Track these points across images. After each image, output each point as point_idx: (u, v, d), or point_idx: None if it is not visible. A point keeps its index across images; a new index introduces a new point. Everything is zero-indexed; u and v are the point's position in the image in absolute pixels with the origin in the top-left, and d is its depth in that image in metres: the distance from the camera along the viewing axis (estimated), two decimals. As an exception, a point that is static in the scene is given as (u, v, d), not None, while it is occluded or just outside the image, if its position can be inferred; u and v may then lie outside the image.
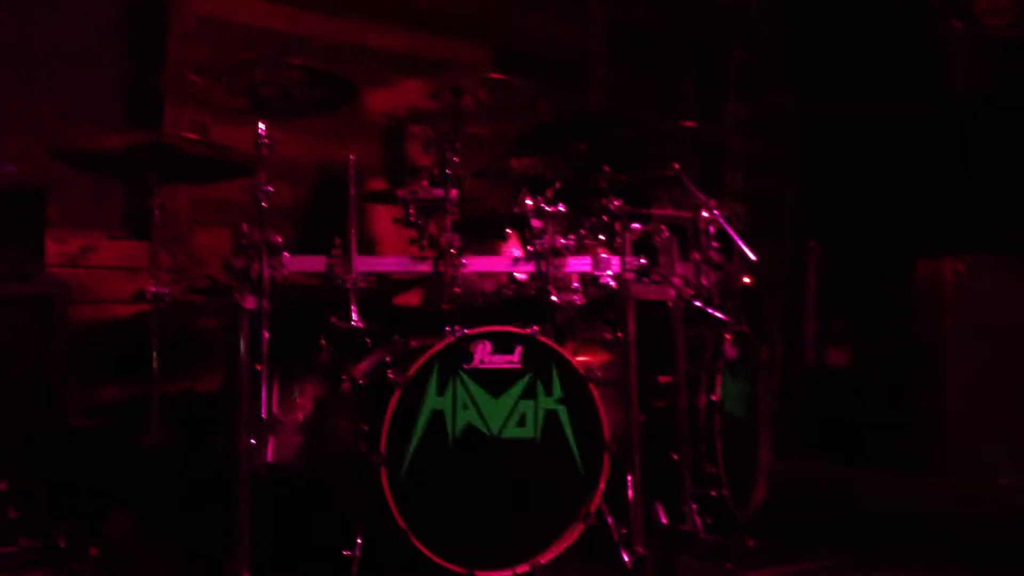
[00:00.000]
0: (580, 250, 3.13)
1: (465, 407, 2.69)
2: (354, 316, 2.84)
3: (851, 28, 5.57)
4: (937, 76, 5.12)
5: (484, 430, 2.71)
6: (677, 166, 3.39)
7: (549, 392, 2.80)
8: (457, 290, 2.90)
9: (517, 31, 4.91)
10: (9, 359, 2.93)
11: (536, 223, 3.05)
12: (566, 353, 2.85)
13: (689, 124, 3.54)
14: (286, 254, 2.72)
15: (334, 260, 2.83)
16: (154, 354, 3.06)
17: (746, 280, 3.49)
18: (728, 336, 3.32)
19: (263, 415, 2.66)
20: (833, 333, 5.34)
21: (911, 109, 5.21)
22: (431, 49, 4.58)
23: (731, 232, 3.39)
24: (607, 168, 3.40)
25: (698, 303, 3.28)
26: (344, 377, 2.95)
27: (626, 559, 2.77)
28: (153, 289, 3.06)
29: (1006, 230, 4.68)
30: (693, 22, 5.71)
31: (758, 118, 5.93)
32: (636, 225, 3.10)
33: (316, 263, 2.84)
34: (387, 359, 2.87)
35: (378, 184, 3.97)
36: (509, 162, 3.54)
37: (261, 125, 2.75)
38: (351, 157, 2.88)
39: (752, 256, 3.43)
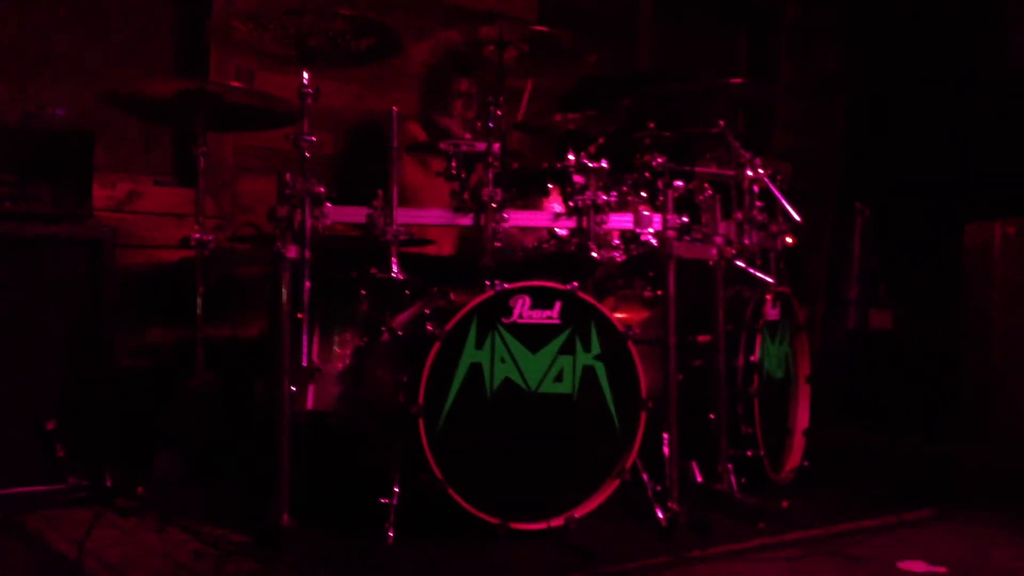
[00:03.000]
0: (622, 207, 3.11)
1: (503, 361, 2.71)
2: (394, 268, 2.85)
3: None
4: (997, 42, 4.99)
5: (522, 384, 2.73)
6: (722, 123, 3.34)
7: (587, 348, 2.80)
8: (498, 244, 2.90)
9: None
10: (59, 300, 2.99)
11: (578, 179, 3.03)
12: (605, 310, 2.84)
13: (736, 81, 3.48)
14: (328, 204, 2.73)
15: (375, 211, 2.83)
16: (198, 299, 3.11)
17: (789, 241, 3.46)
18: (769, 297, 3.29)
19: (304, 363, 2.70)
20: (877, 296, 5.28)
21: (967, 71, 5.09)
22: (477, 0, 4.54)
23: (775, 192, 3.34)
24: (651, 125, 3.36)
25: (740, 263, 3.25)
26: (383, 328, 2.98)
27: (660, 516, 2.78)
28: (198, 236, 3.10)
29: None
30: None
31: (809, 78, 5.82)
32: (679, 183, 3.07)
33: (358, 214, 2.84)
34: (426, 311, 2.89)
35: (418, 136, 3.97)
36: (553, 116, 3.52)
37: (305, 74, 2.76)
38: (394, 109, 2.88)
39: (796, 216, 3.39)
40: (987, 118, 5.04)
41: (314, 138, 2.73)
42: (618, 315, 3.05)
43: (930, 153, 5.34)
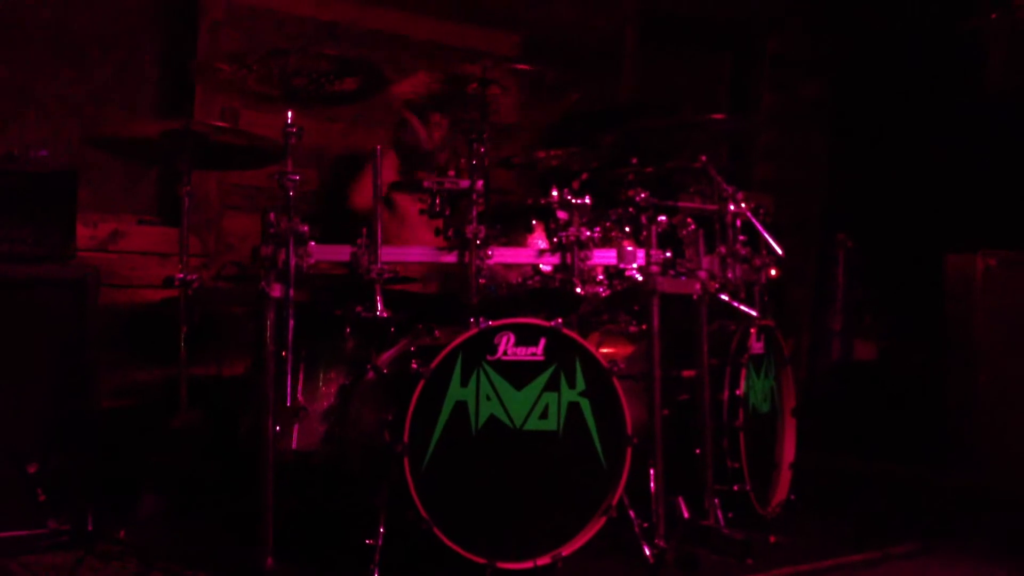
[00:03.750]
0: (605, 242, 3.12)
1: (488, 398, 2.70)
2: (379, 306, 2.84)
3: (888, 19, 5.51)
4: (974, 69, 5.05)
5: (507, 422, 2.72)
6: (704, 158, 3.36)
7: (572, 385, 2.80)
8: (482, 281, 2.90)
9: (549, 20, 4.88)
10: (42, 341, 2.97)
11: (562, 214, 3.04)
12: (590, 346, 2.84)
13: (718, 116, 3.50)
14: (312, 243, 2.73)
15: (359, 250, 2.83)
16: (182, 339, 3.09)
17: (773, 273, 3.47)
18: (753, 330, 3.30)
19: (288, 402, 2.68)
20: (861, 327, 5.30)
21: (946, 102, 5.15)
22: (461, 38, 4.57)
23: (758, 225, 3.37)
24: (635, 160, 3.38)
25: (724, 297, 3.26)
26: (368, 366, 2.97)
27: (647, 552, 2.77)
28: (182, 275, 3.09)
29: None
30: (728, 10, 5.65)
31: (791, 108, 5.87)
32: (662, 217, 3.09)
33: (341, 252, 2.84)
34: (411, 349, 2.89)
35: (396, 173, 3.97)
36: (536, 153, 3.54)
37: (289, 113, 2.76)
38: (377, 147, 2.88)
39: (779, 250, 3.41)
40: (966, 145, 5.09)
41: (297, 177, 2.73)
42: (603, 351, 3.05)
43: (912, 182, 5.39)
